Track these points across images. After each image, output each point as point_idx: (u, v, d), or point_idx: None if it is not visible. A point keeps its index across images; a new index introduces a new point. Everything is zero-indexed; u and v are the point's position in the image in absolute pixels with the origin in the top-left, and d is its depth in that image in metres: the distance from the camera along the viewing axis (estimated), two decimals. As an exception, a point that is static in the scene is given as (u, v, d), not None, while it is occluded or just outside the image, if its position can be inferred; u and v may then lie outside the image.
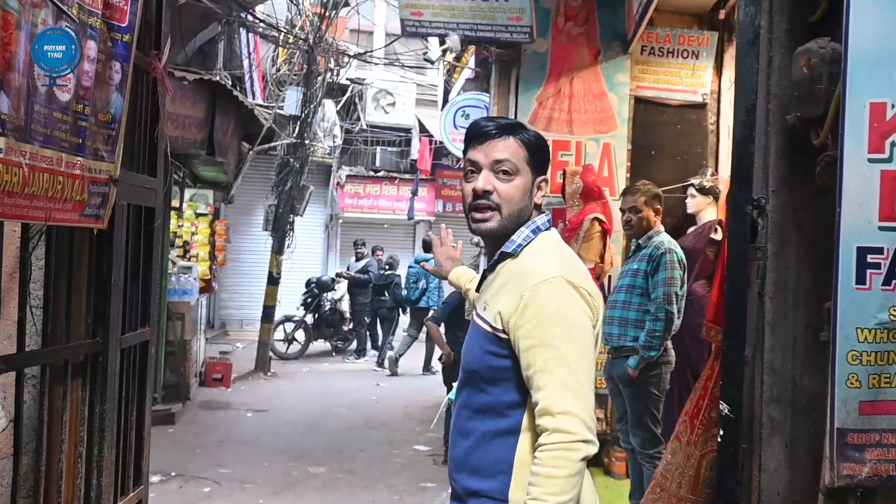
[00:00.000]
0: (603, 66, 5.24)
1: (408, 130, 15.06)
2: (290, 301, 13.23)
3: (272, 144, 8.70)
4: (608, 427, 5.34)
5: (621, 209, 4.16)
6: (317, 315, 12.78)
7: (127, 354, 2.65)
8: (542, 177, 1.77)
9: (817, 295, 2.50)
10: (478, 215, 1.71)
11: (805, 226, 2.51)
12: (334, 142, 12.35)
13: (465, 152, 1.78)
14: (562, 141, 5.28)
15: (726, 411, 2.06)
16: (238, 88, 9.31)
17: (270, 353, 11.72)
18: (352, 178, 15.37)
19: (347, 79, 10.70)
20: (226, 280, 15.51)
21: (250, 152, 10.53)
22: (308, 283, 12.96)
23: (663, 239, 3.93)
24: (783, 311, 2.52)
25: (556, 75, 5.25)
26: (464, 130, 5.95)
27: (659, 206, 4.03)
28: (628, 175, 5.31)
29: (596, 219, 4.98)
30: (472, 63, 6.22)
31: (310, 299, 12.76)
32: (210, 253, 9.88)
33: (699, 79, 5.23)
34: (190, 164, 8.60)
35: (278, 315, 12.62)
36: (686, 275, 3.92)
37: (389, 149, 15.45)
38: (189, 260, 9.78)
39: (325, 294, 12.86)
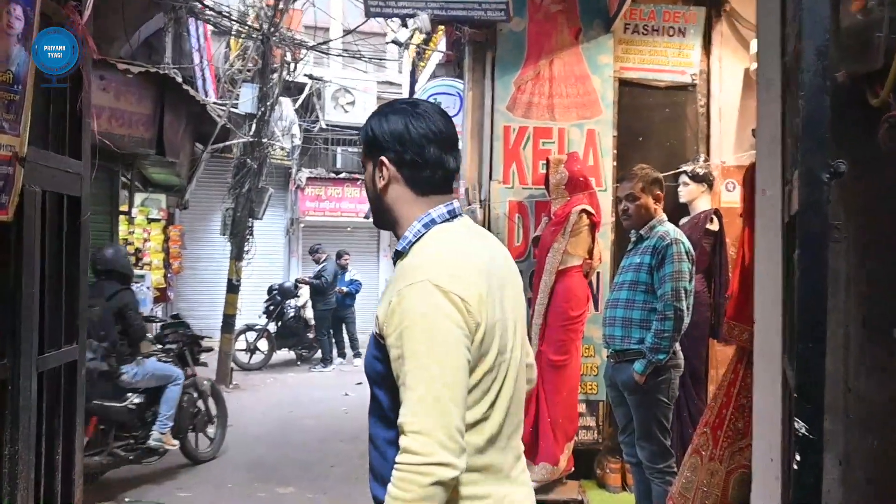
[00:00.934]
0: (584, 47, 4.84)
1: (369, 130, 14.54)
2: (251, 309, 12.62)
3: (227, 143, 8.12)
4: (600, 436, 4.93)
5: (617, 197, 3.75)
6: (280, 323, 12.20)
7: (48, 378, 2.13)
8: (380, 156, 1.57)
9: (877, 283, 2.11)
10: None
11: (858, 200, 2.11)
12: (293, 141, 11.76)
13: None
14: (543, 128, 4.87)
15: (803, 431, 1.65)
16: (191, 85, 8.72)
17: (232, 364, 11.11)
18: (312, 180, 14.79)
19: (305, 75, 10.16)
20: (184, 289, 14.79)
21: (204, 153, 9.92)
22: (270, 290, 12.37)
23: (668, 228, 3.53)
24: (833, 304, 2.12)
25: (535, 57, 4.84)
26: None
27: (659, 192, 3.63)
28: (615, 163, 4.92)
29: (584, 211, 4.57)
30: (442, 46, 5.76)
31: (272, 307, 12.17)
32: (164, 260, 9.25)
33: (687, 58, 4.86)
34: (139, 166, 7.99)
35: (239, 324, 12.03)
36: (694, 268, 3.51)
37: (350, 149, 14.91)
38: (142, 268, 9.13)
39: (287, 301, 12.29)
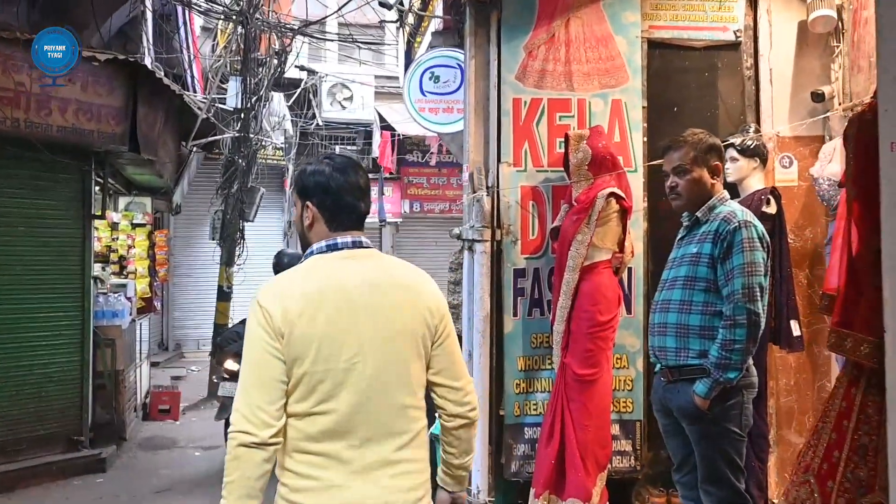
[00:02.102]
0: (607, 3, 4.05)
1: (367, 126, 13.77)
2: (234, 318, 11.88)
3: (210, 139, 7.35)
4: (637, 462, 4.14)
5: (663, 171, 2.95)
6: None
7: None
8: (307, 201, 1.99)
9: None
10: None
11: None
12: (285, 136, 10.99)
13: None
14: (560, 100, 4.08)
15: None
16: (179, 82, 7.94)
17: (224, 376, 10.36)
18: (310, 180, 13.99)
19: (297, 66, 9.41)
20: (179, 298, 14.06)
21: (192, 153, 9.16)
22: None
23: (733, 209, 2.73)
24: None
25: (548, 17, 4.05)
26: (433, 97, 4.59)
27: (717, 163, 2.84)
28: (645, 139, 4.13)
29: (612, 195, 3.79)
30: (440, 11, 4.98)
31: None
32: (149, 268, 8.49)
33: (729, 11, 4.06)
34: (116, 165, 7.22)
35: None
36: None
37: (349, 147, 14.13)
38: (126, 277, 8.37)
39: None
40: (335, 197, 1.96)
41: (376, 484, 1.85)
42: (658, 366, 2.87)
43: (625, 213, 3.85)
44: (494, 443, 4.12)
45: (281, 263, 5.31)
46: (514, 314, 4.09)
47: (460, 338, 4.21)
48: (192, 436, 7.83)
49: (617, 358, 4.13)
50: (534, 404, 4.15)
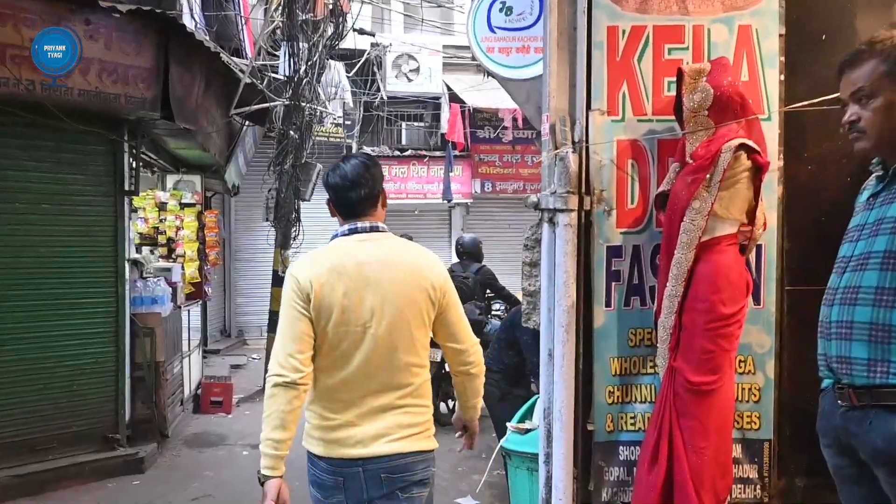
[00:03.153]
0: None
1: (436, 100, 13.01)
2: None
3: (254, 107, 6.70)
4: (764, 493, 3.26)
5: (839, 99, 2.05)
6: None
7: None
8: (327, 198, 2.62)
9: None
10: None
11: None
12: (344, 108, 10.32)
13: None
14: (670, 27, 3.19)
15: None
16: (235, 55, 7.34)
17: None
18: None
19: (355, 30, 8.69)
20: (241, 283, 13.72)
21: (245, 127, 8.61)
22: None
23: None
24: None
25: (653, -81, 3.15)
26: (505, 33, 3.74)
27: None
28: (782, 77, 3.20)
29: (742, 147, 2.90)
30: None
31: (331, 299, 10.87)
32: (199, 251, 7.99)
33: None
34: (153, 137, 6.67)
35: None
36: None
37: (416, 124, 13.43)
38: (175, 260, 7.89)
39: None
40: (335, 192, 2.56)
41: (381, 421, 2.39)
42: (831, 381, 1.99)
43: (758, 171, 2.95)
44: (580, 465, 3.30)
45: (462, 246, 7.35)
46: (608, 304, 3.25)
47: (538, 333, 3.41)
48: (244, 431, 7.31)
49: (740, 360, 3.25)
50: (631, 418, 3.31)
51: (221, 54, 5.93)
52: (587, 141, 3.24)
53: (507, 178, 14.09)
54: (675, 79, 3.11)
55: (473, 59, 4.44)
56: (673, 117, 3.17)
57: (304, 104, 7.47)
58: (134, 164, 5.93)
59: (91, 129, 5.45)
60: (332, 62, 9.42)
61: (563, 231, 3.18)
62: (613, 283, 3.25)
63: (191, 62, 5.84)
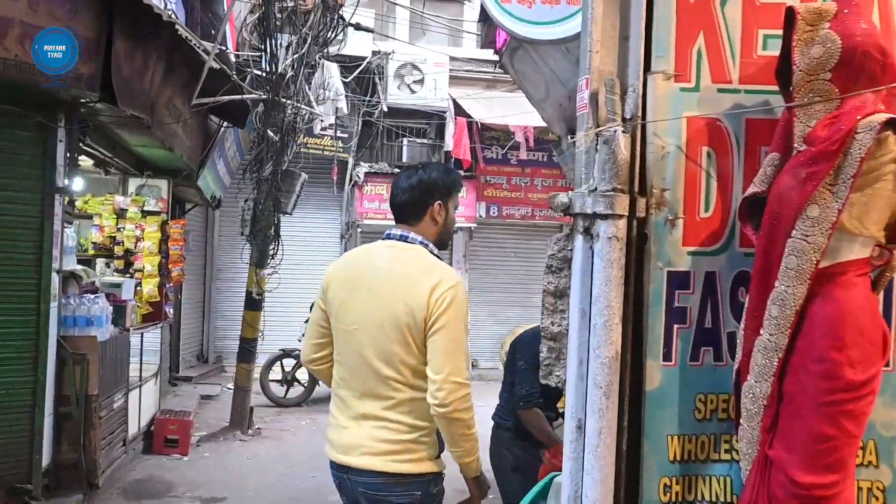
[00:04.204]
0: None
1: (440, 114, 12.09)
2: (292, 330, 10.34)
3: (225, 98, 5.71)
4: None
5: None
6: (325, 348, 9.83)
7: None
8: None
9: None
10: None
11: None
12: (337, 114, 9.38)
13: (457, 190, 2.70)
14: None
15: None
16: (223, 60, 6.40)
17: (265, 398, 8.86)
18: (372, 176, 12.42)
19: (352, 24, 7.73)
20: (221, 304, 12.71)
21: (224, 129, 7.65)
22: (312, 307, 10.00)
23: None
24: None
25: None
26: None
27: None
28: (932, 32, 2.20)
29: (891, 125, 1.90)
30: None
31: (315, 327, 9.83)
32: (160, 266, 6.98)
33: None
34: (103, 128, 5.71)
35: (275, 348, 9.78)
36: None
37: (418, 140, 12.49)
38: (132, 275, 6.88)
39: (335, 321, 9.92)
40: (390, 194, 2.68)
41: (362, 430, 2.44)
42: None
43: (913, 164, 1.94)
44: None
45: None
46: (667, 357, 2.24)
47: (560, 391, 2.41)
48: (197, 479, 6.26)
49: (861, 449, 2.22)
50: (696, 526, 2.28)
51: (179, 27, 4.95)
52: (644, 117, 2.25)
53: (515, 203, 13.11)
54: (778, 30, 2.13)
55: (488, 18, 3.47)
56: (773, 86, 2.19)
57: (285, 101, 6.51)
58: (69, 157, 4.94)
59: (16, 111, 4.49)
60: (325, 62, 8.49)
61: (606, 247, 2.18)
62: (676, 327, 2.24)
63: (144, 38, 4.90)
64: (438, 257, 2.59)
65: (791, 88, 2.08)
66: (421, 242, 2.51)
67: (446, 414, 2.34)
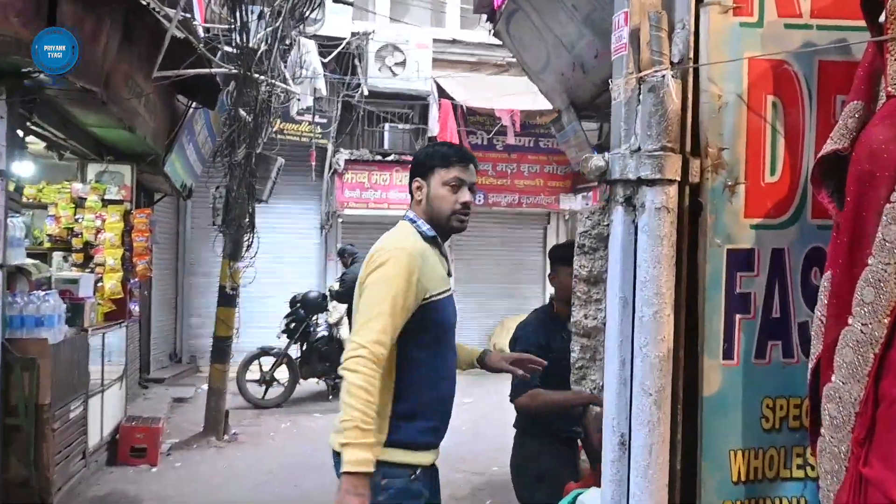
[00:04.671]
0: None
1: (423, 98, 11.65)
2: (270, 327, 9.89)
3: (190, 72, 5.22)
4: None
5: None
6: (305, 345, 9.42)
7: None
8: None
9: None
10: (464, 219, 2.44)
11: None
12: (315, 96, 8.92)
13: (443, 166, 2.42)
14: None
15: None
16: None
17: (242, 399, 8.43)
18: (353, 163, 11.95)
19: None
20: (195, 299, 12.19)
21: (193, 111, 7.17)
22: (292, 303, 9.59)
23: None
24: None
25: None
26: None
27: None
28: None
29: None
30: None
31: (294, 324, 9.41)
32: (124, 259, 6.50)
33: None
34: (53, 103, 5.23)
35: (252, 346, 9.33)
36: None
37: (400, 125, 12.04)
38: (92, 270, 6.40)
39: (315, 316, 9.48)
40: None
41: None
42: None
43: None
44: None
45: None
46: (727, 354, 1.87)
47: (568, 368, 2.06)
48: (166, 492, 5.81)
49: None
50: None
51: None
52: (696, 60, 1.85)
53: (501, 190, 12.71)
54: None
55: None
56: (853, 20, 1.80)
57: (258, 76, 6.04)
58: (12, 135, 4.46)
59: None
60: (301, 39, 8.02)
61: (654, 220, 1.79)
62: (738, 318, 1.85)
63: (95, 0, 4.42)
64: (435, 238, 2.44)
65: (884, 19, 1.69)
66: (409, 219, 2.45)
67: (343, 375, 2.17)
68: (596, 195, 13.63)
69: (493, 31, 5.00)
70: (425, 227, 2.42)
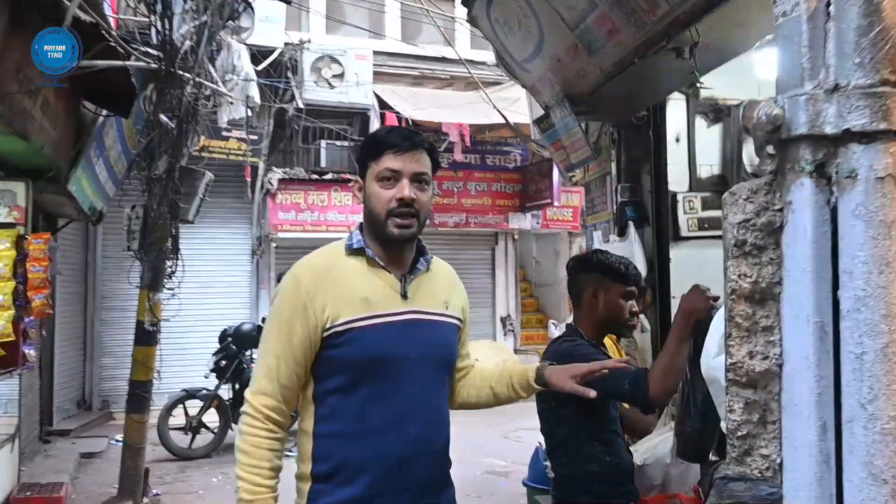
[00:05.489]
0: None
1: (363, 111, 10.96)
2: (197, 365, 8.91)
3: (95, 64, 4.32)
4: None
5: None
6: (238, 385, 8.50)
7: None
8: None
9: None
10: (402, 221, 1.89)
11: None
12: (248, 105, 8.11)
13: (372, 158, 1.94)
14: None
15: None
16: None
17: (165, 450, 7.41)
18: (287, 183, 11.13)
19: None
20: (108, 337, 11.07)
21: (104, 119, 6.25)
22: (223, 337, 8.67)
23: None
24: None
25: None
26: None
27: None
28: None
29: None
30: None
31: (225, 361, 8.48)
32: (15, 294, 5.49)
33: None
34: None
35: (176, 388, 8.35)
36: None
37: (338, 143, 11.30)
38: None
39: (249, 351, 8.57)
40: None
41: None
42: None
43: None
44: None
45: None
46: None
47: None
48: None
49: None
50: None
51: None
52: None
53: (448, 210, 12.09)
54: None
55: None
56: None
57: (183, 74, 5.21)
58: None
59: None
60: (232, 41, 7.23)
61: (875, 197, 1.12)
62: None
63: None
64: (362, 250, 1.96)
65: None
66: (354, 230, 2.02)
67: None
68: (545, 213, 13.22)
69: (468, 18, 4.37)
70: (356, 239, 1.97)
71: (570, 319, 2.82)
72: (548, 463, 2.97)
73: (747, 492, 1.31)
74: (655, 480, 2.75)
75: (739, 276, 1.23)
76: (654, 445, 2.79)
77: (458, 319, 2.04)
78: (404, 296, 1.93)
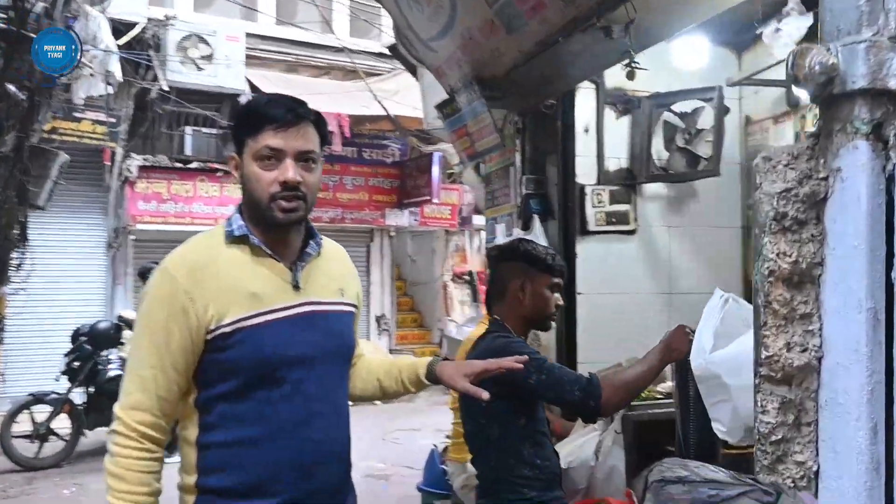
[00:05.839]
0: None
1: (235, 95, 10.36)
2: (46, 367, 8.15)
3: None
4: None
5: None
6: (93, 388, 7.75)
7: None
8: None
9: None
10: (287, 205, 1.69)
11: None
12: (108, 83, 7.41)
13: (250, 134, 1.69)
14: None
15: None
16: None
17: (8, 460, 6.67)
18: (148, 171, 10.34)
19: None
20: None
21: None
22: (75, 336, 7.88)
23: None
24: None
25: None
26: None
27: None
28: None
29: None
30: None
31: (78, 362, 7.71)
32: None
33: None
34: None
35: (19, 392, 7.56)
36: None
37: (205, 129, 10.63)
38: None
39: (106, 352, 7.83)
40: None
41: None
42: None
43: None
44: None
45: None
46: None
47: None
48: None
49: None
50: None
51: None
52: None
53: (323, 205, 11.65)
54: None
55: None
56: None
57: (34, 37, 4.58)
58: None
59: None
60: (90, 10, 6.54)
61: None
62: None
63: None
64: (246, 237, 1.73)
65: None
66: (234, 215, 1.77)
67: None
68: (423, 210, 13.09)
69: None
70: (237, 225, 1.73)
71: (472, 314, 2.66)
72: (445, 466, 2.76)
73: (686, 494, 1.20)
74: (580, 484, 2.62)
75: (778, 254, 1.06)
76: (580, 446, 2.65)
77: (354, 307, 1.87)
78: (296, 286, 1.74)
